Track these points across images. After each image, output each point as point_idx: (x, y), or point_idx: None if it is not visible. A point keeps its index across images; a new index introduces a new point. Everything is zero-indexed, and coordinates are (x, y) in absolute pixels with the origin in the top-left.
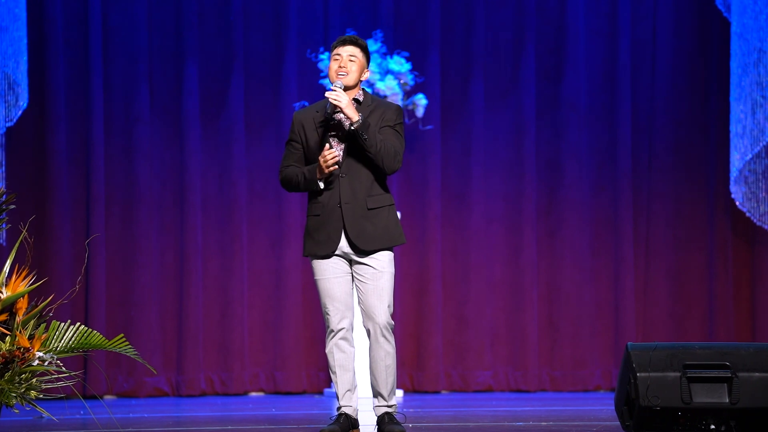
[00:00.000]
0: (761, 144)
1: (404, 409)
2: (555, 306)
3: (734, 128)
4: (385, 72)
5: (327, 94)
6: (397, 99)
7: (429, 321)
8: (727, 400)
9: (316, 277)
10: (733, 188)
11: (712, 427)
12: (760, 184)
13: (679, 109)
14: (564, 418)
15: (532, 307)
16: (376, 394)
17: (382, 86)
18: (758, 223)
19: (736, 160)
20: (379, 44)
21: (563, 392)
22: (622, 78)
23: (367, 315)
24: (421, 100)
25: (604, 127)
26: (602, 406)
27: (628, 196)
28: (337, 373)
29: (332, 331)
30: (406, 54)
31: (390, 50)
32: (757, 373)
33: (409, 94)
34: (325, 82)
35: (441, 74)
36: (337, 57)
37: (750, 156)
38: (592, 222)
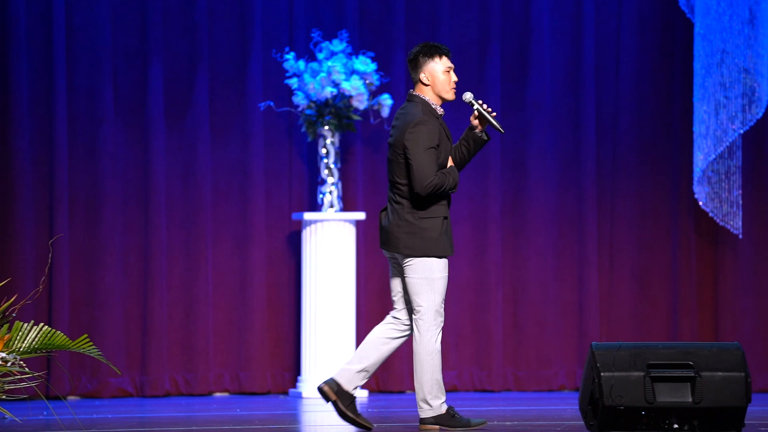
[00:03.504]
0: (724, 144)
1: (369, 410)
2: (520, 306)
3: (698, 129)
4: (351, 72)
5: (487, 108)
6: (363, 99)
7: None
8: (690, 400)
9: (443, 275)
10: (696, 188)
11: (675, 426)
12: (723, 185)
13: (643, 109)
14: (528, 417)
15: (497, 307)
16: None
17: (347, 86)
18: (721, 223)
19: (700, 160)
20: (344, 44)
21: (528, 392)
22: (586, 78)
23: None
24: (386, 101)
25: (568, 127)
26: (566, 406)
27: (593, 196)
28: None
29: (441, 330)
30: (372, 54)
31: (355, 50)
32: (719, 373)
33: (374, 94)
34: (292, 81)
35: (406, 74)
36: (449, 69)
37: (713, 156)
38: (557, 222)
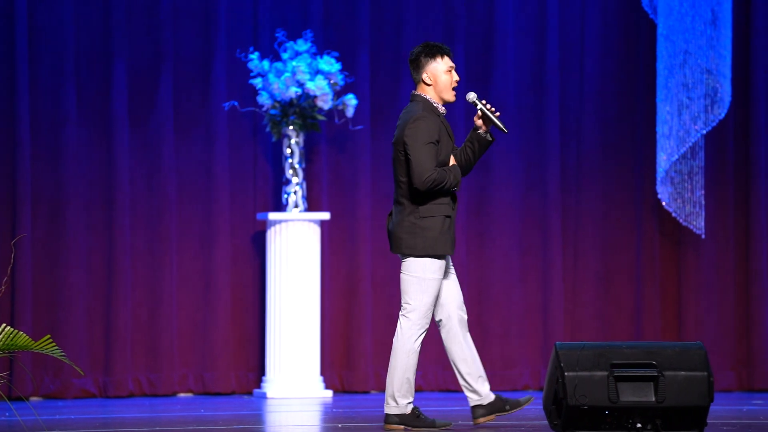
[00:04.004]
0: (687, 145)
1: (334, 410)
2: (484, 306)
3: (660, 129)
4: (315, 72)
5: (490, 108)
6: (328, 99)
7: (359, 321)
8: (654, 399)
9: (435, 276)
10: (659, 189)
11: (639, 425)
12: (686, 185)
13: (607, 110)
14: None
15: None
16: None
17: (312, 86)
18: (684, 223)
19: (663, 161)
20: (309, 44)
21: (493, 392)
22: (550, 79)
23: (459, 306)
24: (351, 101)
25: (532, 128)
26: (531, 406)
27: (557, 197)
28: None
29: (425, 332)
30: (336, 54)
31: (320, 50)
32: (682, 372)
33: (339, 94)
34: (256, 81)
35: (371, 74)
36: (451, 68)
37: (676, 157)
38: (521, 222)
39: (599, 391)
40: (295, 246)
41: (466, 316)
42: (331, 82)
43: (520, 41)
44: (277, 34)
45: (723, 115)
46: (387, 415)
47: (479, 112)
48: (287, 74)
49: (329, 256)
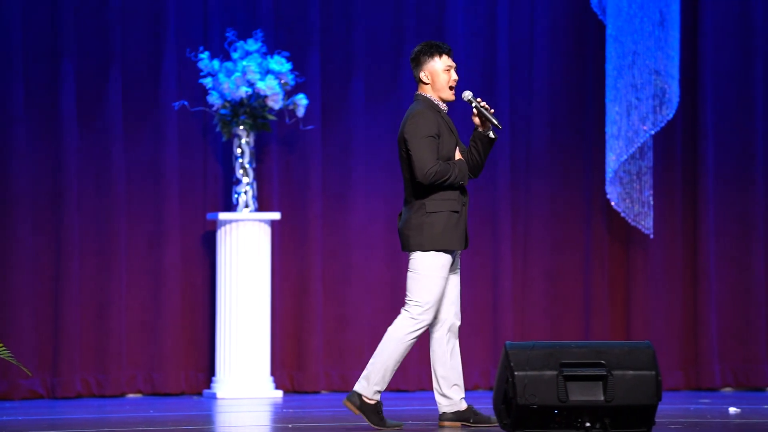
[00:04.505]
0: (636, 145)
1: (284, 410)
2: None
3: (610, 129)
4: (266, 72)
5: (484, 105)
6: (278, 99)
7: (309, 321)
8: (602, 398)
9: (439, 273)
10: (608, 189)
11: (587, 424)
12: (635, 185)
13: (556, 110)
14: None
15: None
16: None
17: (262, 86)
18: (633, 223)
19: (612, 161)
20: (259, 44)
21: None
22: (500, 79)
23: (455, 313)
24: (301, 100)
25: None
26: (480, 405)
27: (506, 196)
28: None
29: (422, 329)
30: (287, 54)
31: (270, 50)
32: (630, 371)
33: (289, 94)
34: (207, 81)
35: (321, 74)
36: (449, 68)
37: (625, 157)
38: (471, 222)
39: (549, 391)
40: (245, 246)
41: (458, 323)
42: (282, 82)
43: (470, 41)
44: (227, 34)
45: (671, 115)
46: (353, 391)
47: (474, 111)
48: (237, 74)
49: (280, 256)
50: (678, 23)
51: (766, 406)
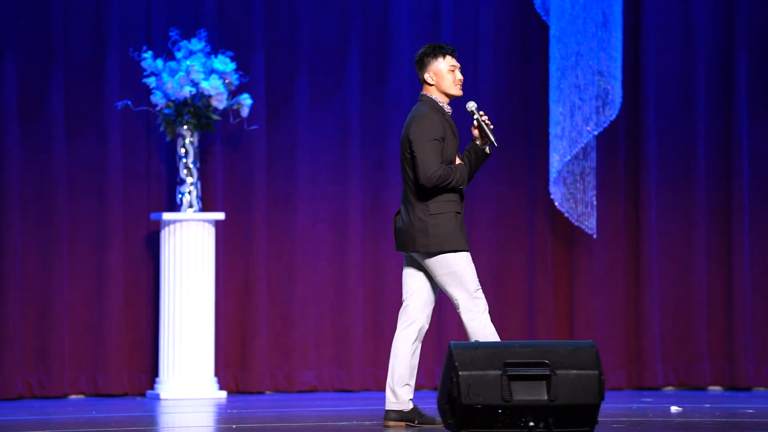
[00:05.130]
0: (579, 146)
1: (228, 411)
2: (380, 306)
3: (553, 130)
4: (210, 71)
5: (485, 120)
6: (222, 99)
7: (254, 321)
8: (546, 398)
9: (464, 265)
10: (552, 189)
11: (531, 424)
12: (578, 185)
13: (500, 110)
14: None
15: (357, 307)
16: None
17: (206, 86)
18: (576, 224)
19: (555, 161)
20: (203, 43)
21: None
22: None
23: (428, 315)
24: (246, 100)
25: None
26: (425, 405)
27: None
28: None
29: (487, 310)
30: (231, 54)
31: (214, 50)
32: (574, 371)
33: (234, 93)
34: (150, 80)
35: (266, 74)
36: (454, 68)
37: (569, 157)
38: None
39: (493, 390)
40: (189, 246)
41: (427, 327)
42: (226, 81)
43: (415, 42)
44: (170, 33)
45: (614, 116)
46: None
47: (475, 123)
48: (181, 73)
49: (224, 256)
50: (620, 24)
51: (707, 405)
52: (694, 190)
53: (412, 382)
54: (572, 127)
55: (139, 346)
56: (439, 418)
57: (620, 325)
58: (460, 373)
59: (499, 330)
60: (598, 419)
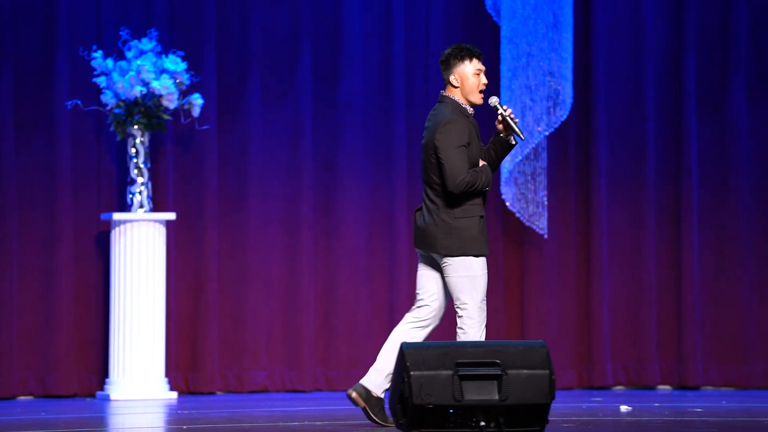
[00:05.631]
0: (530, 146)
1: (178, 411)
2: (331, 306)
3: None
4: (161, 71)
5: (510, 114)
6: (173, 98)
7: (204, 321)
8: (497, 397)
9: (483, 272)
10: (503, 189)
11: (482, 423)
12: (530, 186)
13: None
14: (339, 417)
15: (309, 307)
16: None
17: (157, 85)
18: (527, 224)
19: (506, 161)
20: (154, 43)
21: (339, 392)
22: (397, 80)
23: (441, 311)
24: (197, 100)
25: (379, 129)
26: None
27: (403, 197)
28: None
29: (485, 326)
30: (182, 53)
31: (165, 49)
32: (525, 371)
33: (185, 93)
34: (100, 80)
35: (217, 74)
36: (479, 72)
37: (520, 158)
38: (368, 222)
39: (444, 390)
40: (140, 246)
41: (436, 325)
42: (177, 81)
43: (366, 41)
44: (121, 33)
45: (565, 117)
46: None
47: (499, 117)
48: (132, 73)
49: (175, 256)
50: (571, 25)
51: (656, 404)
52: (644, 190)
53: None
54: (523, 128)
55: (88, 346)
56: (391, 419)
57: (571, 325)
58: (411, 373)
59: (450, 330)
60: (549, 419)
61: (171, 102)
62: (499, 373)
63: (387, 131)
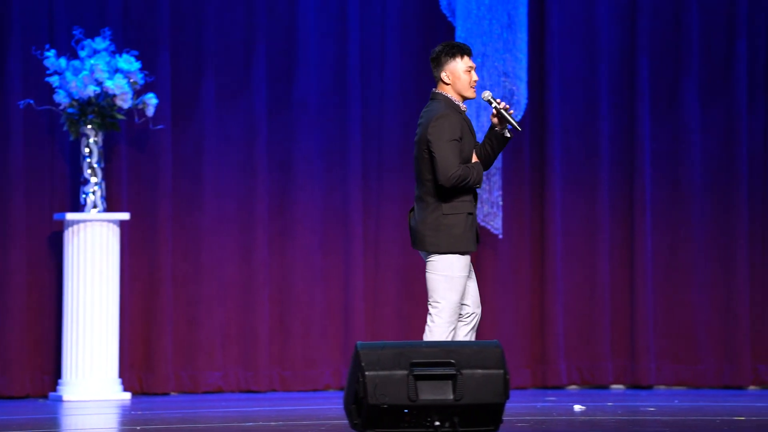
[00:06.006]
0: None
1: (132, 412)
2: (286, 306)
3: None
4: (114, 70)
5: (504, 106)
6: (127, 98)
7: (159, 322)
8: (452, 397)
9: (462, 273)
10: None
11: (437, 423)
12: (485, 186)
13: (407, 111)
14: (294, 417)
15: (263, 307)
16: None
17: (111, 85)
18: (482, 224)
19: None
20: (107, 42)
21: (293, 392)
22: (352, 80)
23: (477, 304)
24: (151, 100)
25: (335, 129)
26: (332, 405)
27: (358, 197)
28: None
29: (454, 329)
30: (136, 53)
31: (119, 49)
32: (479, 370)
33: (139, 93)
34: (53, 79)
35: (171, 74)
36: (470, 68)
37: None
38: (324, 222)
39: (399, 390)
40: (93, 247)
41: (480, 314)
42: (131, 80)
43: (322, 41)
44: (74, 32)
45: (519, 117)
46: None
47: (494, 111)
48: (85, 72)
49: (129, 256)
50: (526, 26)
51: (609, 404)
52: (598, 190)
53: None
54: (478, 128)
55: (41, 347)
56: None
57: (525, 325)
58: (366, 373)
59: (406, 330)
60: (503, 418)
61: (125, 102)
62: (454, 372)
63: (342, 131)
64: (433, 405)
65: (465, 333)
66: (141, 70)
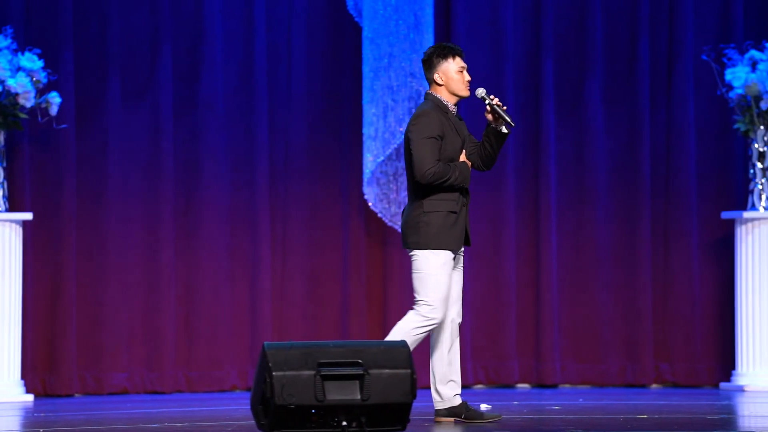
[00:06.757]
0: (392, 146)
1: (35, 414)
2: (192, 306)
3: (367, 131)
4: (17, 69)
5: (496, 102)
6: (30, 97)
7: (62, 322)
8: (359, 397)
9: (441, 270)
10: (366, 189)
11: (344, 423)
12: (392, 186)
13: (314, 111)
14: (200, 418)
15: (169, 308)
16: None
17: (13, 83)
18: (390, 224)
19: (369, 162)
20: (9, 40)
21: (199, 393)
22: (258, 80)
23: (457, 312)
24: (54, 99)
25: (241, 129)
26: (238, 406)
27: (265, 197)
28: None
29: (431, 327)
30: (38, 51)
31: (21, 47)
32: (387, 370)
33: (42, 92)
34: None
35: (75, 73)
36: (462, 69)
37: (382, 158)
38: (230, 223)
39: (306, 391)
40: None
41: (459, 321)
42: (34, 79)
43: (228, 41)
44: None
45: None
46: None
47: (488, 107)
48: None
49: (32, 257)
50: (432, 27)
51: (515, 403)
52: (504, 190)
53: (457, 378)
54: (385, 128)
55: None
56: (487, 414)
57: None
58: (273, 373)
59: (313, 331)
60: (410, 418)
61: (27, 100)
62: (361, 372)
63: (249, 132)
64: (340, 405)
65: (443, 335)
66: (44, 68)
